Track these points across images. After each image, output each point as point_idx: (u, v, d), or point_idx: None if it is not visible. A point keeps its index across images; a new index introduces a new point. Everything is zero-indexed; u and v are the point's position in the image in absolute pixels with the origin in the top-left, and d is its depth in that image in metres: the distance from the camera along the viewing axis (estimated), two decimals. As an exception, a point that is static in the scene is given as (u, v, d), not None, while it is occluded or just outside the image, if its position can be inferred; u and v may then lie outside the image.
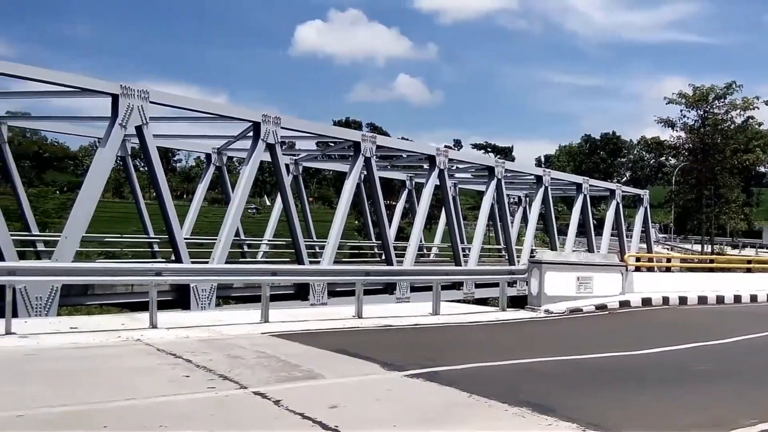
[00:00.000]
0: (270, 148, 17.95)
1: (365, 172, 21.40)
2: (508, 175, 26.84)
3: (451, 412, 6.07)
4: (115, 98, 14.92)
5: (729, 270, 22.89)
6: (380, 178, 22.96)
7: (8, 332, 9.10)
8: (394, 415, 5.90)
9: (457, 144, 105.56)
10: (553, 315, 14.33)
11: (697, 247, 48.27)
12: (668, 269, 25.55)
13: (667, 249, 54.12)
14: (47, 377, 6.86)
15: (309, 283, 17.62)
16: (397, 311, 13.91)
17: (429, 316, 13.18)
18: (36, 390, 6.27)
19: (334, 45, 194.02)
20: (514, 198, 37.04)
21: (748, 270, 22.75)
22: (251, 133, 18.06)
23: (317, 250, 24.35)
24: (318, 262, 20.42)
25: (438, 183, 22.64)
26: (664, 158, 65.86)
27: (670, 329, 13.53)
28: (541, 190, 27.15)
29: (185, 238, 18.71)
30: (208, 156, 24.89)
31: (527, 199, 34.26)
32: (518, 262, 24.77)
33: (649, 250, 34.43)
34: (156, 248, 23.54)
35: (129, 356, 8.17)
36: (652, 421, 5.98)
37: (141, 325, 10.23)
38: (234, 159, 30.84)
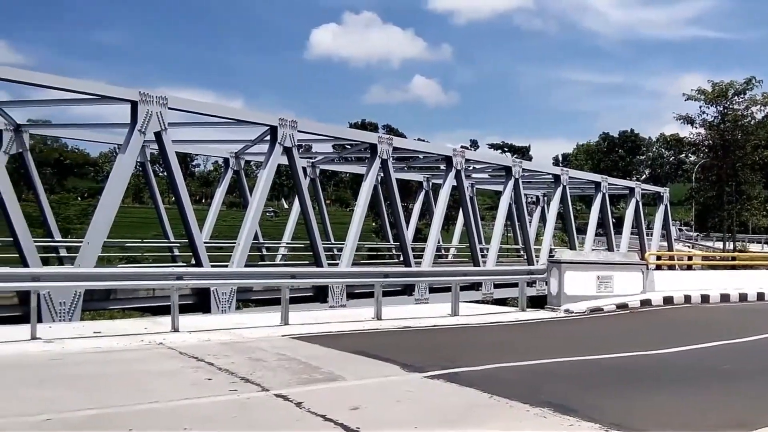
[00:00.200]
0: (287, 151, 18.05)
1: (382, 174, 21.44)
2: (526, 174, 26.74)
3: (472, 413, 6.07)
4: (134, 105, 15.10)
5: (752, 267, 22.58)
6: (397, 179, 22.98)
7: (33, 337, 9.24)
8: (415, 417, 5.91)
9: (474, 144, 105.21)
10: (573, 315, 14.24)
11: (719, 245, 47.69)
12: (689, 267, 25.29)
13: (688, 247, 53.52)
14: (72, 381, 6.97)
15: (328, 285, 17.67)
16: (416, 312, 13.91)
17: (448, 317, 13.17)
18: (62, 394, 6.36)
19: (349, 48, 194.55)
20: (532, 197, 36.88)
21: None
22: (268, 137, 18.17)
23: (335, 253, 24.43)
24: (336, 264, 20.49)
25: (455, 183, 22.62)
26: (683, 155, 65.28)
27: (692, 328, 13.38)
28: (559, 189, 27.00)
29: (204, 242, 18.88)
30: (226, 160, 25.07)
31: (545, 198, 34.10)
32: (537, 261, 24.65)
33: (670, 248, 34.11)
34: (176, 252, 23.77)
35: (152, 360, 8.26)
36: (675, 421, 5.93)
37: (163, 329, 10.33)
38: (251, 163, 31.08)
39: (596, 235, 30.78)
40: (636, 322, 13.99)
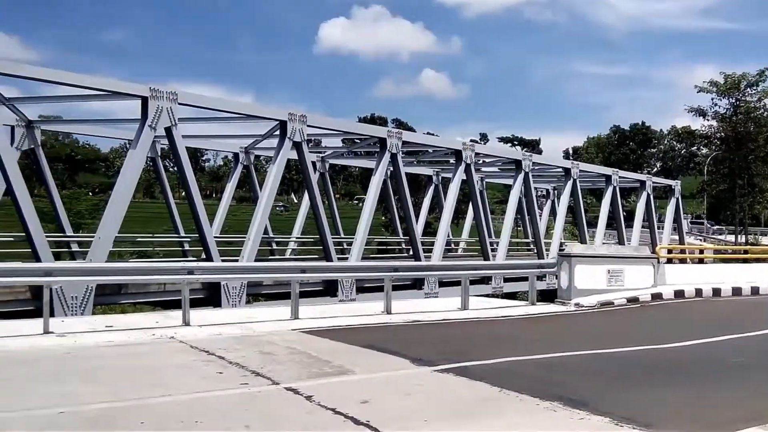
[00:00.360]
0: (296, 146, 18.07)
1: (391, 168, 21.44)
2: (536, 168, 26.63)
3: (481, 407, 6.08)
4: (144, 100, 15.17)
5: (764, 260, 22.41)
6: (406, 173, 22.97)
7: (46, 331, 9.32)
8: (425, 410, 5.93)
9: (484, 138, 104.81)
10: (583, 308, 14.21)
11: (730, 238, 47.39)
12: (701, 261, 25.14)
13: (700, 240, 53.21)
14: (85, 375, 7.03)
15: (337, 279, 17.73)
16: (426, 306, 13.92)
17: (458, 311, 13.18)
18: (75, 388, 6.42)
19: (358, 42, 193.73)
20: (542, 191, 36.75)
21: (784, 260, 22.25)
22: (278, 132, 18.21)
23: (345, 247, 24.48)
24: (346, 259, 20.53)
25: (465, 177, 22.57)
26: (695, 148, 64.85)
27: (703, 321, 13.33)
28: (570, 183, 26.89)
29: (215, 237, 18.96)
30: (236, 155, 25.15)
31: (555, 192, 33.98)
32: (547, 255, 24.60)
33: (681, 241, 33.92)
34: (187, 247, 23.89)
35: (163, 354, 8.32)
36: (686, 415, 5.93)
37: (174, 323, 10.40)
38: (261, 158, 31.16)
39: (607, 228, 30.60)
40: (647, 315, 13.94)
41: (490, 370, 7.55)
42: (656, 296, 15.83)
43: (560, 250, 21.11)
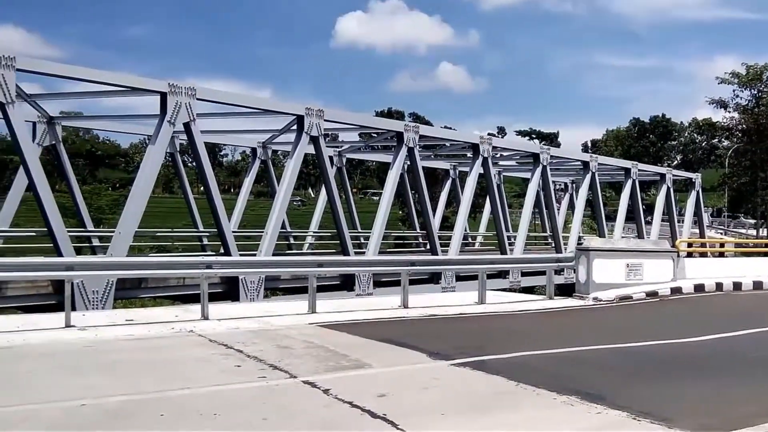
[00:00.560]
0: (314, 140, 18.14)
1: (408, 162, 21.43)
2: (554, 161, 26.50)
3: (498, 401, 6.09)
4: (163, 96, 15.31)
5: (787, 254, 22.12)
6: (424, 167, 22.95)
7: (68, 325, 9.47)
8: (442, 404, 5.95)
9: (501, 131, 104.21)
10: (601, 303, 14.12)
11: (752, 232, 46.80)
12: (721, 254, 24.86)
13: (721, 233, 52.59)
14: (106, 368, 7.14)
15: (354, 273, 17.78)
16: (443, 301, 13.92)
17: (474, 305, 13.16)
18: (96, 380, 6.53)
19: (376, 35, 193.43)
20: (560, 184, 36.55)
21: (807, 254, 21.95)
22: (295, 127, 18.29)
23: (362, 241, 24.53)
24: (363, 253, 20.58)
25: (482, 171, 22.51)
26: (716, 140, 64.06)
27: (723, 316, 13.18)
28: (588, 176, 26.71)
29: (233, 232, 19.10)
30: (254, 150, 25.28)
31: (574, 185, 33.77)
32: (565, 249, 24.47)
33: (702, 234, 33.57)
34: (205, 242, 24.09)
35: (183, 347, 8.41)
36: (704, 409, 5.89)
37: (193, 317, 10.51)
38: (279, 152, 31.25)
39: (626, 222, 30.37)
40: (665, 310, 13.82)
41: (506, 365, 7.55)
42: (676, 290, 15.68)
43: (578, 243, 20.96)
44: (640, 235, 29.20)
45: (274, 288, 18.36)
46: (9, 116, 13.27)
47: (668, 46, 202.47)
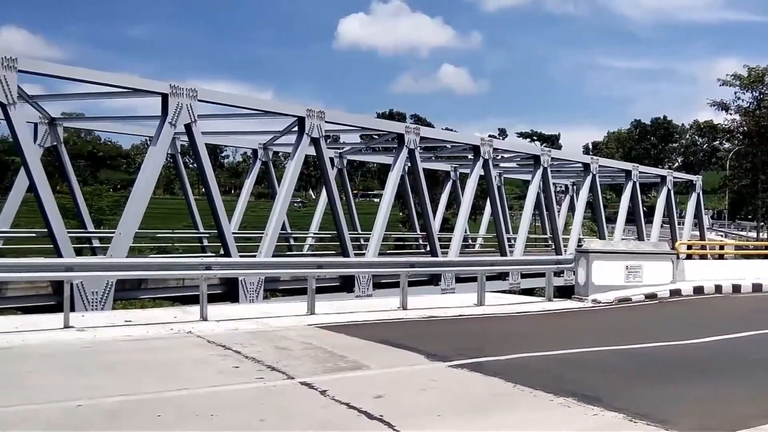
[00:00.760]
0: (314, 142, 18.17)
1: (409, 164, 21.45)
2: (555, 163, 26.53)
3: (495, 402, 6.10)
4: (164, 97, 15.35)
5: (787, 257, 22.10)
6: (424, 169, 22.98)
7: (67, 326, 9.48)
8: (439, 405, 5.96)
9: (502, 133, 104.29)
10: (600, 305, 14.13)
11: (752, 234, 46.77)
12: (721, 257, 24.84)
13: (721, 236, 52.56)
14: (104, 369, 7.15)
15: (354, 275, 17.80)
16: (442, 302, 13.93)
17: (473, 307, 13.17)
18: (94, 381, 6.54)
19: (378, 37, 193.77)
20: (561, 186, 36.56)
21: (807, 256, 21.93)
22: (296, 128, 18.32)
23: (362, 243, 24.55)
24: (363, 254, 20.59)
25: (482, 173, 22.53)
26: (717, 142, 64.04)
27: (722, 318, 13.19)
28: (589, 178, 26.73)
29: (233, 233, 19.13)
30: (255, 151, 25.31)
31: (574, 187, 33.77)
32: (565, 251, 24.49)
33: (702, 237, 33.55)
34: (205, 243, 24.13)
35: (181, 348, 8.42)
36: (701, 411, 5.89)
37: (192, 318, 10.52)
38: (280, 154, 31.29)
39: (627, 224, 30.38)
40: (664, 312, 13.82)
41: (504, 366, 7.55)
42: (675, 292, 15.69)
43: (578, 245, 20.97)
44: (640, 237, 29.19)
45: (273, 289, 18.38)
46: (10, 117, 13.32)
47: (670, 48, 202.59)
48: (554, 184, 31.02)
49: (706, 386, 6.93)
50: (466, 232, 27.10)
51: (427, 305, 12.94)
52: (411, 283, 13.48)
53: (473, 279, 14.96)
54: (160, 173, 18.13)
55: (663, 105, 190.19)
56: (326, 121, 18.46)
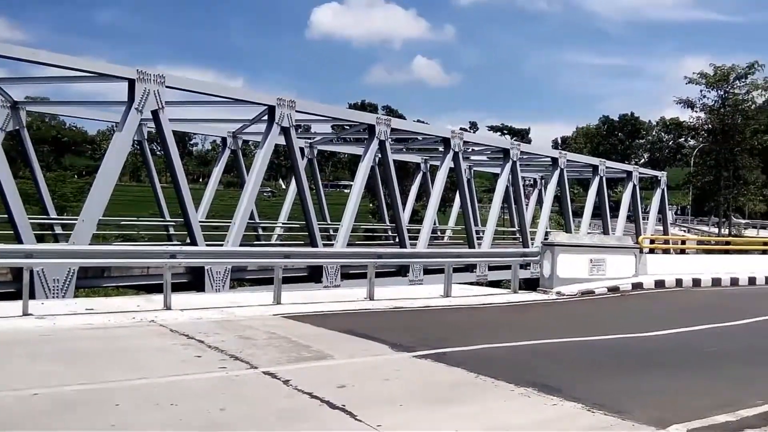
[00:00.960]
0: (284, 131, 18.04)
1: (380, 155, 21.43)
2: (524, 157, 26.75)
3: (457, 392, 6.16)
4: (131, 83, 15.09)
5: (746, 252, 22.65)
6: (395, 160, 22.98)
7: (25, 313, 9.28)
8: (401, 395, 5.98)
9: (473, 126, 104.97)
10: (564, 297, 14.33)
11: (714, 230, 47.84)
12: (683, 251, 25.37)
13: (684, 231, 53.65)
14: (62, 357, 7.02)
15: (322, 265, 17.76)
16: (409, 293, 13.98)
17: (440, 298, 13.25)
18: (51, 369, 6.42)
19: (351, 27, 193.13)
20: (529, 180, 36.91)
21: (765, 252, 22.50)
22: (266, 117, 18.16)
23: (332, 233, 24.49)
24: (332, 245, 20.56)
25: (453, 165, 22.63)
26: (683, 139, 65.19)
27: (681, 311, 13.48)
28: (557, 173, 27.03)
29: (201, 222, 18.93)
30: (224, 140, 25.05)
31: (543, 181, 34.12)
32: (533, 244, 24.76)
33: (666, 231, 34.19)
34: (172, 231, 23.83)
35: (142, 337, 8.31)
36: (657, 402, 6.01)
37: (155, 307, 10.39)
38: (250, 143, 30.99)
39: (593, 218, 30.82)
40: (626, 304, 14.08)
41: (468, 357, 7.62)
42: (637, 286, 15.99)
43: (545, 239, 21.21)
44: (605, 232, 29.64)
45: (240, 279, 18.26)
46: (-31, 100, 12.96)
47: (640, 46, 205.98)
48: (523, 177, 31.33)
49: (661, 378, 7.07)
50: (435, 224, 27.22)
51: (394, 296, 12.98)
52: (379, 275, 13.52)
53: (441, 271, 15.05)
54: (127, 160, 17.85)
55: (632, 102, 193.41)
56: (297, 111, 18.34)
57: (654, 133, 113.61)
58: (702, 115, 43.08)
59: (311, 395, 5.73)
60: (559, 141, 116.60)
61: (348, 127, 25.20)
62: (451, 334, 9.41)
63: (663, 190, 33.71)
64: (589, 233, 27.25)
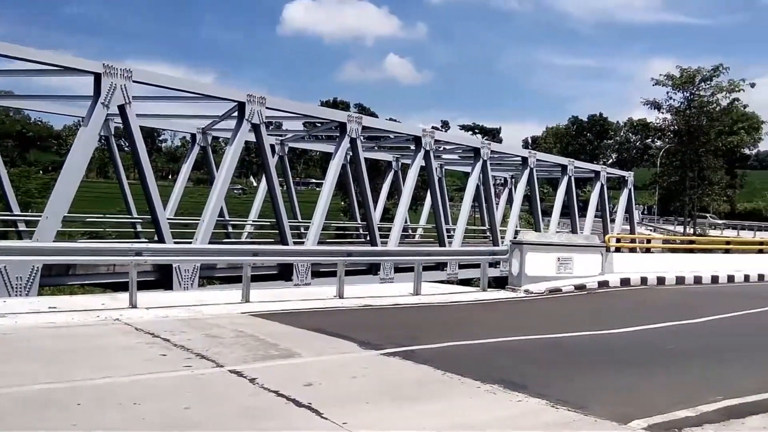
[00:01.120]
0: (254, 128, 17.91)
1: (351, 153, 21.40)
2: (495, 156, 26.95)
3: (424, 389, 6.18)
4: (97, 77, 14.83)
5: (709, 251, 23.17)
6: (366, 158, 22.98)
7: (-14, 312, 9.08)
8: (368, 393, 6.00)
9: (445, 125, 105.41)
10: (532, 295, 14.50)
11: (679, 229, 48.78)
12: (648, 250, 25.84)
13: (650, 230, 54.61)
14: (23, 356, 6.89)
15: (292, 263, 17.69)
16: (379, 291, 14.00)
17: (409, 296, 13.29)
18: (12, 368, 6.29)
19: (323, 24, 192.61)
20: (500, 179, 37.18)
21: (727, 251, 23.06)
22: (236, 113, 18.01)
23: (302, 231, 24.40)
24: (302, 243, 20.47)
25: (424, 164, 22.69)
26: (649, 140, 66.31)
27: (645, 309, 13.73)
28: (527, 172, 27.27)
29: (169, 219, 18.71)
30: (193, 136, 24.78)
31: (513, 180, 34.41)
32: (503, 243, 24.95)
33: (632, 231, 34.75)
34: (139, 228, 23.49)
35: (107, 336, 8.18)
36: (619, 398, 6.12)
37: (121, 305, 10.22)
38: (220, 139, 30.73)
39: (562, 217, 31.20)
40: (592, 302, 14.29)
41: (435, 354, 7.66)
42: (603, 284, 16.24)
43: (514, 237, 21.42)
44: (574, 231, 30.03)
45: (210, 277, 18.11)
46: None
47: (611, 47, 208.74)
48: (494, 176, 31.54)
49: (625, 374, 7.20)
50: (406, 222, 27.29)
51: (363, 294, 12.99)
52: (350, 273, 13.52)
53: (412, 269, 15.11)
54: (94, 156, 17.54)
55: (601, 102, 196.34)
56: (268, 108, 18.21)
57: (622, 134, 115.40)
58: (668, 116, 43.95)
59: (277, 393, 5.71)
60: (530, 141, 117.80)
61: (319, 125, 25.13)
62: (420, 332, 9.45)
63: (630, 190, 34.24)
64: (557, 232, 27.56)
